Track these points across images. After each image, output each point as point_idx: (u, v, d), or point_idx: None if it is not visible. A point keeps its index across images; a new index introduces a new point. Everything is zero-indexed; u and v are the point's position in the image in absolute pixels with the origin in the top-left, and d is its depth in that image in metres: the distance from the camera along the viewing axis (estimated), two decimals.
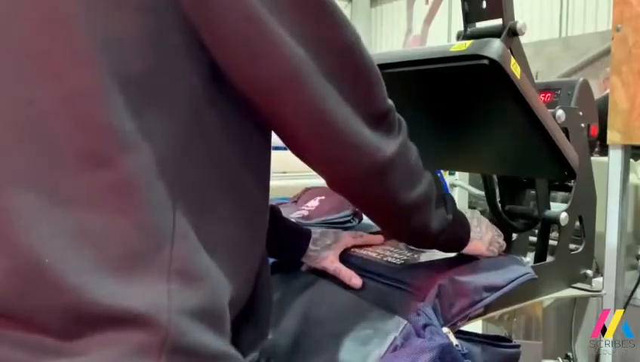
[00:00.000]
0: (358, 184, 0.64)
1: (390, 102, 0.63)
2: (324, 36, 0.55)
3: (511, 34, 0.88)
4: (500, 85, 0.75)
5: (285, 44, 0.51)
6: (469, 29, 0.99)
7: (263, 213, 0.63)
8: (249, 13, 0.49)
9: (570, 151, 0.91)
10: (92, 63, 0.47)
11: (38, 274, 0.47)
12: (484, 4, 0.95)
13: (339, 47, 0.57)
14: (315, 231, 0.89)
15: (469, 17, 0.99)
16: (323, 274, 0.85)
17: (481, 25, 0.98)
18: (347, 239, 0.91)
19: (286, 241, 0.87)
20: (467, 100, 0.89)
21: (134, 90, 0.48)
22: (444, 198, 0.76)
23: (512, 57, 0.74)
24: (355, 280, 0.82)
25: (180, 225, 0.50)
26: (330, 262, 0.86)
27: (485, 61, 0.72)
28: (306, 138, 0.59)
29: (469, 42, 0.74)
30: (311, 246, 0.87)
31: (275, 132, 0.60)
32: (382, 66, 0.87)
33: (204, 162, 0.53)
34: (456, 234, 0.79)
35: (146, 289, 0.48)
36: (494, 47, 0.73)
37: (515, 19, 0.89)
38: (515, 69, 0.74)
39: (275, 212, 0.84)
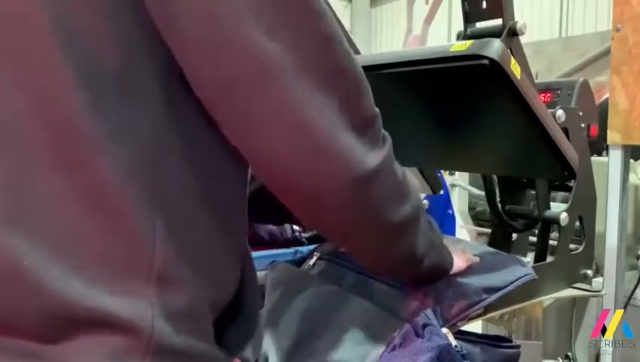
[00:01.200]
0: (340, 200, 0.54)
1: (376, 109, 0.57)
2: (301, 25, 0.49)
3: (511, 34, 0.88)
4: (500, 85, 0.75)
5: (252, 39, 0.46)
6: (469, 29, 0.99)
7: (242, 214, 0.60)
8: (210, 5, 0.45)
9: (571, 152, 0.91)
10: (58, 63, 0.46)
11: (18, 277, 0.46)
12: (484, 4, 0.95)
13: (318, 37, 0.50)
14: None
15: (469, 17, 0.99)
16: (321, 274, 0.85)
17: (481, 25, 0.98)
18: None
19: None
20: (467, 100, 0.89)
21: (103, 90, 0.47)
22: (430, 221, 0.69)
23: (512, 57, 0.74)
24: None
25: (160, 228, 0.49)
26: None
27: (485, 61, 0.72)
28: (283, 149, 0.50)
29: (469, 42, 0.74)
30: None
31: (244, 151, 0.53)
32: (381, 66, 0.87)
33: (180, 163, 0.51)
34: (441, 258, 0.71)
35: (128, 293, 0.47)
36: (494, 47, 0.73)
37: (515, 19, 0.89)
38: (515, 69, 0.74)
39: None
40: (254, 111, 0.49)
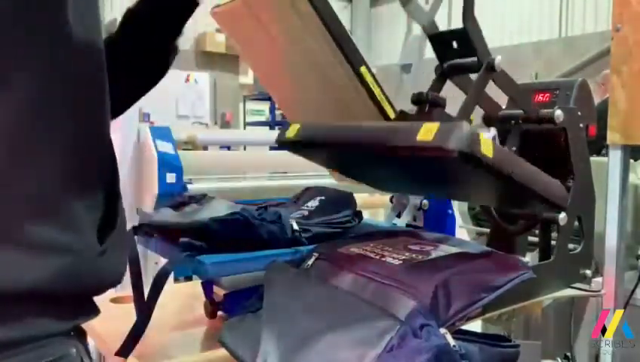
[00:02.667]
0: None
1: None
2: None
3: (489, 69, 0.88)
4: (474, 164, 0.71)
5: None
6: (445, 66, 0.98)
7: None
8: None
9: (557, 190, 0.91)
10: None
11: None
12: (455, 45, 0.94)
13: None
14: None
15: (442, 57, 0.98)
16: (319, 274, 0.85)
17: (458, 60, 0.97)
18: None
19: None
20: (443, 169, 0.84)
21: None
22: None
23: (480, 140, 0.69)
24: None
25: None
26: None
27: (454, 154, 0.68)
28: None
29: (435, 127, 0.69)
30: None
31: None
32: (348, 146, 0.85)
33: None
34: None
35: None
36: (461, 138, 0.67)
37: (491, 55, 0.88)
38: (486, 150, 0.69)
39: None
40: None
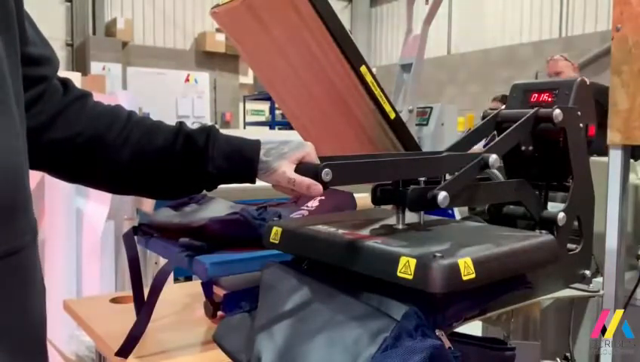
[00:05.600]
0: None
1: None
2: None
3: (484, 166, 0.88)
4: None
5: None
6: None
7: None
8: None
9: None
10: None
11: None
12: None
13: None
14: (272, 141, 0.80)
15: None
16: (314, 273, 0.84)
17: None
18: (309, 149, 0.79)
19: (235, 158, 0.79)
20: None
21: None
22: None
23: (459, 269, 0.67)
24: (315, 188, 0.73)
25: None
26: (283, 173, 0.76)
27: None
28: None
29: (413, 263, 0.67)
30: (262, 157, 0.78)
31: None
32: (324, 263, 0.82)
33: None
34: None
35: None
36: (438, 277, 0.65)
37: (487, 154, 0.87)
38: (467, 274, 0.68)
39: (213, 132, 0.80)
40: None
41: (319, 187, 0.74)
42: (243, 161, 0.79)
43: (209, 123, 9.79)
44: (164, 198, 0.93)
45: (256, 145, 0.80)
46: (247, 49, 1.13)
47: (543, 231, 0.96)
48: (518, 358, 0.80)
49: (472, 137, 1.04)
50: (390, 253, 0.71)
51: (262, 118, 9.51)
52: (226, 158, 0.79)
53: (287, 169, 0.77)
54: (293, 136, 1.17)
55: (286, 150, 0.79)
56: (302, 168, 0.77)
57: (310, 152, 0.79)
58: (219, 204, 1.20)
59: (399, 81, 2.04)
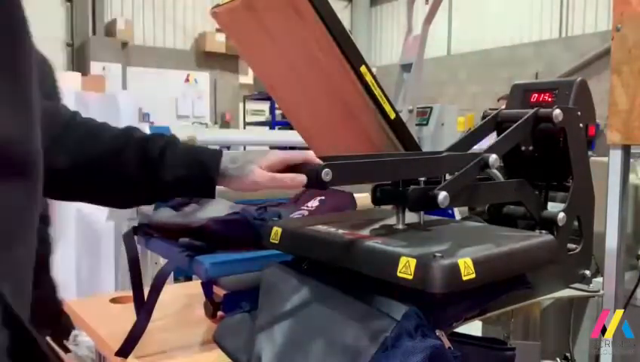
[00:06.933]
0: None
1: None
2: None
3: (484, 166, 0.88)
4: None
5: None
6: None
7: None
8: None
9: None
10: None
11: None
12: None
13: None
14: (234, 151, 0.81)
15: None
16: (313, 274, 0.84)
17: None
18: (276, 153, 0.78)
19: (193, 167, 0.76)
20: None
21: None
22: None
23: (459, 269, 0.67)
24: (299, 178, 0.73)
25: None
26: (260, 174, 0.75)
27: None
28: None
29: (413, 263, 0.67)
30: (230, 164, 0.77)
31: None
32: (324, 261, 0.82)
33: None
34: None
35: None
36: (438, 277, 0.66)
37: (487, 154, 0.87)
38: (467, 273, 0.68)
39: (170, 141, 0.78)
40: None
41: (302, 176, 0.73)
42: (202, 169, 0.77)
43: (209, 123, 9.64)
44: (114, 206, 0.91)
45: (217, 153, 0.78)
46: (247, 49, 1.13)
47: (543, 231, 0.96)
48: (518, 358, 0.80)
49: (472, 137, 1.04)
50: (390, 253, 0.71)
51: (262, 118, 9.50)
52: (184, 166, 0.76)
53: (262, 172, 0.76)
54: (293, 136, 1.16)
55: (252, 157, 0.77)
56: (303, 169, 0.77)
57: (278, 156, 0.78)
58: (219, 204, 1.20)
59: (399, 81, 2.04)
